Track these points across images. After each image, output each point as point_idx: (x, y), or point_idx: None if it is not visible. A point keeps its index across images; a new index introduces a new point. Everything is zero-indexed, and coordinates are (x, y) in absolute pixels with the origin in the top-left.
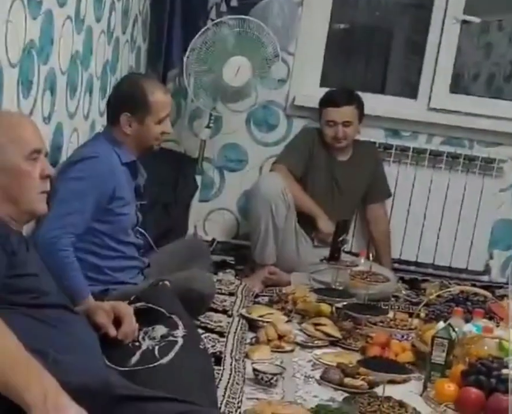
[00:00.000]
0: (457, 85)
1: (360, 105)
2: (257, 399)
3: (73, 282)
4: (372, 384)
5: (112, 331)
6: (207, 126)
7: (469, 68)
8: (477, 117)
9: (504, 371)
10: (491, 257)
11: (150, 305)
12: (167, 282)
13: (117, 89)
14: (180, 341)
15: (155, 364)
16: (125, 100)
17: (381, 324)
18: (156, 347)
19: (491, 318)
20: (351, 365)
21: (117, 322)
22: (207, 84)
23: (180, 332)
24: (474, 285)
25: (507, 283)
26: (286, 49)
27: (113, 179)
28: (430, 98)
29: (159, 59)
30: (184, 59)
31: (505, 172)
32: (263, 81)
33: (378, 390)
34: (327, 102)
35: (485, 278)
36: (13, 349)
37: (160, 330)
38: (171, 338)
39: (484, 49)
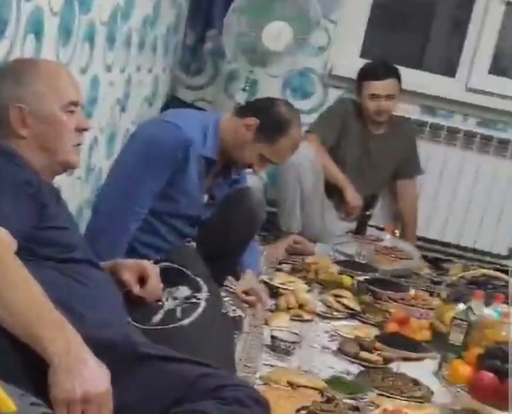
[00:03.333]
0: (496, 67)
1: (399, 78)
2: (273, 366)
3: (117, 246)
4: (387, 360)
5: (136, 289)
6: (243, 89)
7: (509, 50)
8: None
9: None
10: None
11: (175, 265)
12: (193, 243)
13: (272, 103)
14: (203, 303)
15: (176, 324)
16: (266, 115)
17: (401, 301)
18: (179, 308)
19: None
20: (368, 340)
21: (142, 280)
22: (246, 46)
23: (203, 295)
24: (497, 269)
25: None
26: (328, 17)
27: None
28: (468, 78)
29: (200, 18)
30: (225, 19)
31: None
32: (302, 47)
33: (394, 366)
34: (369, 74)
35: (508, 262)
36: (39, 301)
37: (184, 291)
38: (194, 300)
39: None
